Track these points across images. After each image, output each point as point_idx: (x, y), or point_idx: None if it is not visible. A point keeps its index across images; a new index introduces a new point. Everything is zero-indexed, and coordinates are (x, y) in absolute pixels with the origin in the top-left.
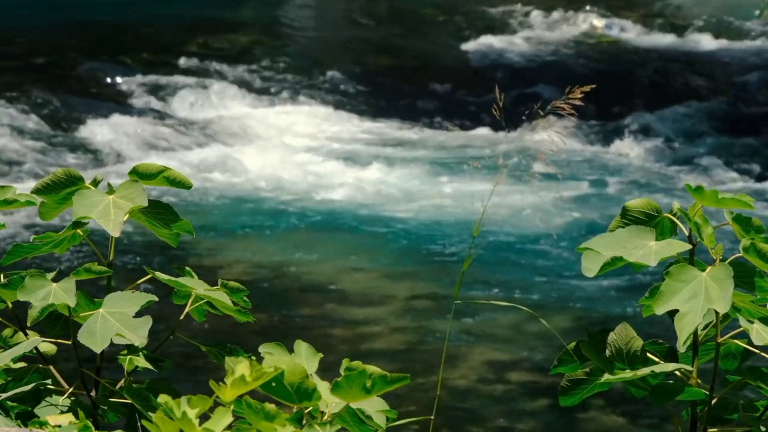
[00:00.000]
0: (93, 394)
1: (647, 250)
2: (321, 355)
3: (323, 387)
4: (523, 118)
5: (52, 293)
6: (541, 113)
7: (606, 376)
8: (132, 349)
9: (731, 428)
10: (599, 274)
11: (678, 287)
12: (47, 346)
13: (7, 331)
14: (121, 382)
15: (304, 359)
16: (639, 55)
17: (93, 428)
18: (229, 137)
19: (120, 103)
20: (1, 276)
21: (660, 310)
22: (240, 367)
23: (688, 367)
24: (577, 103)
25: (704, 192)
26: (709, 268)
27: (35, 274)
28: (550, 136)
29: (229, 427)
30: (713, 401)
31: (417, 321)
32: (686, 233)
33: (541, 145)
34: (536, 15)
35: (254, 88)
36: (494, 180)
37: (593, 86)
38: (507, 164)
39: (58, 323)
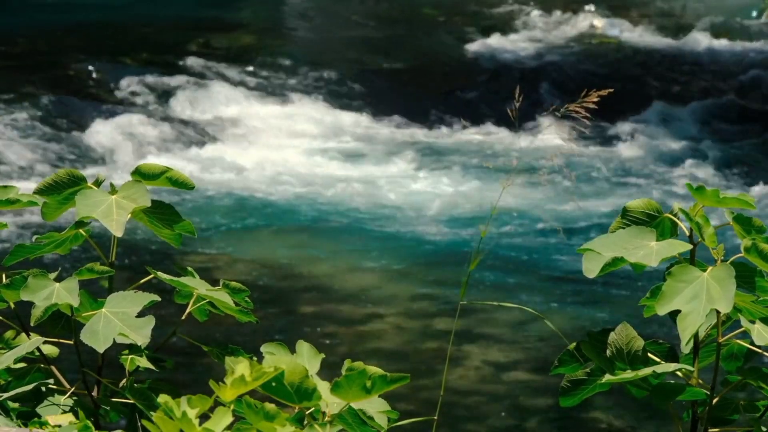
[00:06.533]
0: (94, 393)
1: (648, 250)
2: (323, 355)
3: (324, 387)
4: (542, 116)
5: (55, 293)
6: (558, 114)
7: (607, 377)
8: (134, 349)
9: (732, 429)
10: (600, 275)
11: (680, 287)
12: (49, 347)
13: (9, 333)
14: (123, 382)
15: (305, 359)
16: (639, 55)
17: (93, 428)
18: (230, 137)
19: (120, 103)
20: (4, 276)
21: (662, 310)
22: (240, 367)
23: (690, 368)
24: (592, 106)
25: (705, 192)
26: (710, 268)
27: (38, 274)
28: (562, 137)
29: (230, 427)
30: (714, 401)
31: (418, 321)
32: (687, 233)
33: (551, 147)
34: (536, 15)
35: (254, 87)
36: (503, 181)
37: (611, 90)
38: (518, 164)
39: (60, 323)
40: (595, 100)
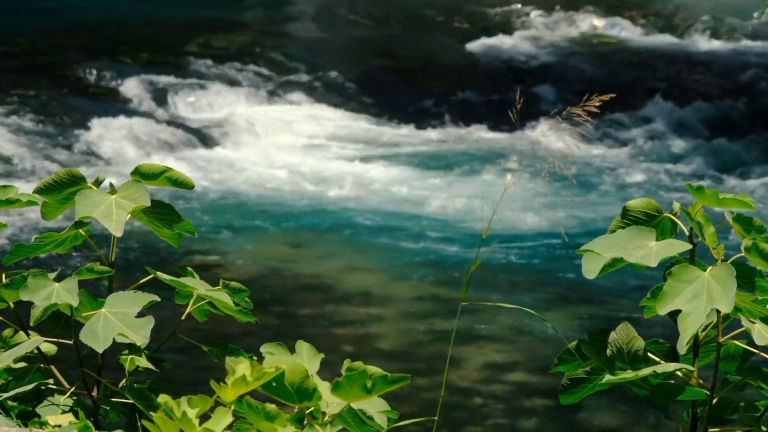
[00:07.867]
0: (94, 393)
1: (648, 250)
2: (322, 355)
3: (324, 387)
4: (543, 120)
5: (54, 293)
6: (560, 119)
7: (607, 377)
8: (133, 349)
9: (732, 428)
10: (600, 276)
11: (680, 287)
12: (48, 346)
13: (7, 331)
14: (123, 382)
15: (305, 359)
16: (639, 55)
17: (93, 428)
18: (229, 137)
19: (120, 103)
20: (3, 276)
21: (663, 310)
22: (241, 367)
23: (690, 367)
24: (594, 110)
25: (705, 192)
26: (710, 268)
27: (38, 274)
28: (564, 140)
29: (230, 427)
30: (714, 401)
31: (419, 321)
32: (686, 233)
33: (553, 150)
34: (536, 15)
35: (254, 88)
36: (505, 183)
37: (613, 95)
38: (521, 167)
39: (59, 323)
40: (597, 104)
